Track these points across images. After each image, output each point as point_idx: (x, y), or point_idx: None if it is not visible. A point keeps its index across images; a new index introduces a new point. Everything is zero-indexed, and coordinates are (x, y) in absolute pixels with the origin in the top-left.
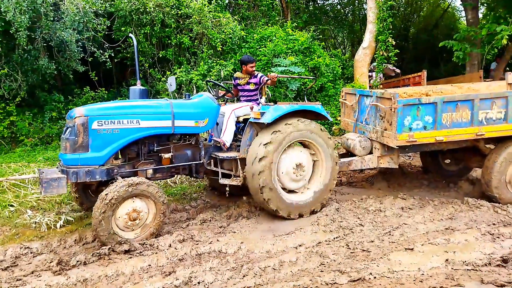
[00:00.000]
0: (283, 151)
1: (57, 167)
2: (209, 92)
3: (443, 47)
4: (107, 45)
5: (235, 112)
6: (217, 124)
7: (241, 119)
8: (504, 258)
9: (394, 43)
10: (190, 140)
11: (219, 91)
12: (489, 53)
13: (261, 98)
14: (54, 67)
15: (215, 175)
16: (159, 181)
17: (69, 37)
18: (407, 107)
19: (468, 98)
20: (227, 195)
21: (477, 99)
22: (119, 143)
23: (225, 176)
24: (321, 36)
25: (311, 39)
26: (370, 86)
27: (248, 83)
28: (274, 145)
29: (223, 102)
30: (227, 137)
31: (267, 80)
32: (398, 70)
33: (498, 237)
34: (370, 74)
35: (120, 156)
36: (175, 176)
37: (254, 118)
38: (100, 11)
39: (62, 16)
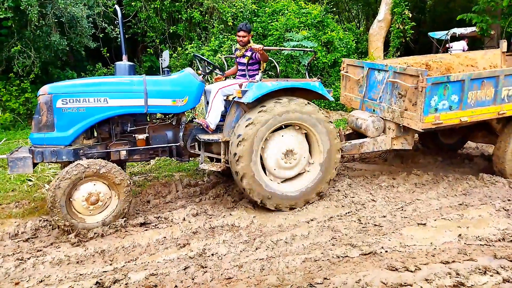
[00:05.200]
0: (273, 132)
1: (29, 146)
2: (201, 67)
3: (460, 20)
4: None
5: (222, 90)
6: (208, 103)
7: (230, 98)
8: None
9: (410, 15)
10: (171, 120)
11: (206, 67)
12: (509, 26)
13: (257, 74)
14: (66, 43)
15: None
16: (157, 159)
17: (80, 13)
18: (435, 86)
19: (493, 75)
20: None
21: (502, 75)
22: (85, 123)
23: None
24: (334, 9)
25: (324, 12)
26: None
27: (243, 56)
28: (257, 126)
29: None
30: (212, 119)
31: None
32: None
33: None
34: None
35: (94, 136)
36: (155, 158)
37: (238, 97)
38: None
39: None
